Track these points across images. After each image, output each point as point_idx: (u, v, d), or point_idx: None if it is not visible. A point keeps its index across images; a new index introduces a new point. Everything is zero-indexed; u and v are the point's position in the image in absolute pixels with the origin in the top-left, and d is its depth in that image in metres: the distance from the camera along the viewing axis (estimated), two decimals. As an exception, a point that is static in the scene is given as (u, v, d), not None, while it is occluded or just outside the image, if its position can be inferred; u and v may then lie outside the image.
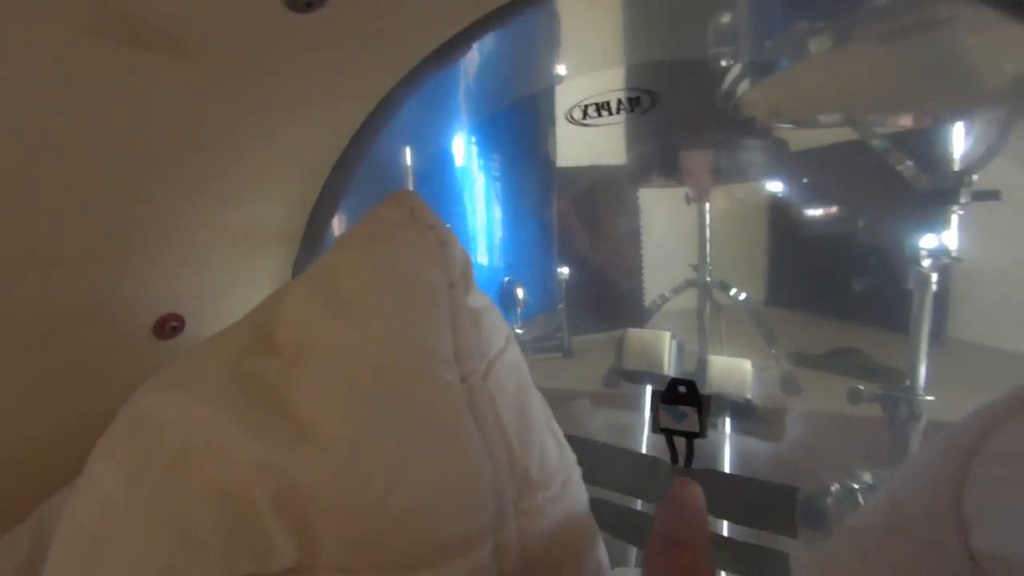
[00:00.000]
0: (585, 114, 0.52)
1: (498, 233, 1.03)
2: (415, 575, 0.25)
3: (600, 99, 0.52)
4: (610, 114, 0.51)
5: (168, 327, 0.52)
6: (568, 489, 0.32)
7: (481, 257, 0.92)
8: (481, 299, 0.36)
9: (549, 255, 1.16)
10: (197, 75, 0.37)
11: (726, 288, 1.45)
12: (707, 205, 1.43)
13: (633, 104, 0.51)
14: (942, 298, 0.90)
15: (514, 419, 0.31)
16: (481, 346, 0.33)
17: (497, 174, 0.98)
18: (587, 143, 1.39)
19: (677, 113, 1.14)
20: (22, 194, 0.36)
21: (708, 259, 1.46)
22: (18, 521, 0.42)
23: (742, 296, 1.45)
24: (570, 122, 0.53)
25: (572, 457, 0.34)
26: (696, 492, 0.27)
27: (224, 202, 0.48)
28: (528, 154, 1.03)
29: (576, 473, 0.34)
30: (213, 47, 0.36)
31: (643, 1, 1.03)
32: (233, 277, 0.55)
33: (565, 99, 1.09)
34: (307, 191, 0.56)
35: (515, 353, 0.35)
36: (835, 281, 1.35)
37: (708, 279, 1.46)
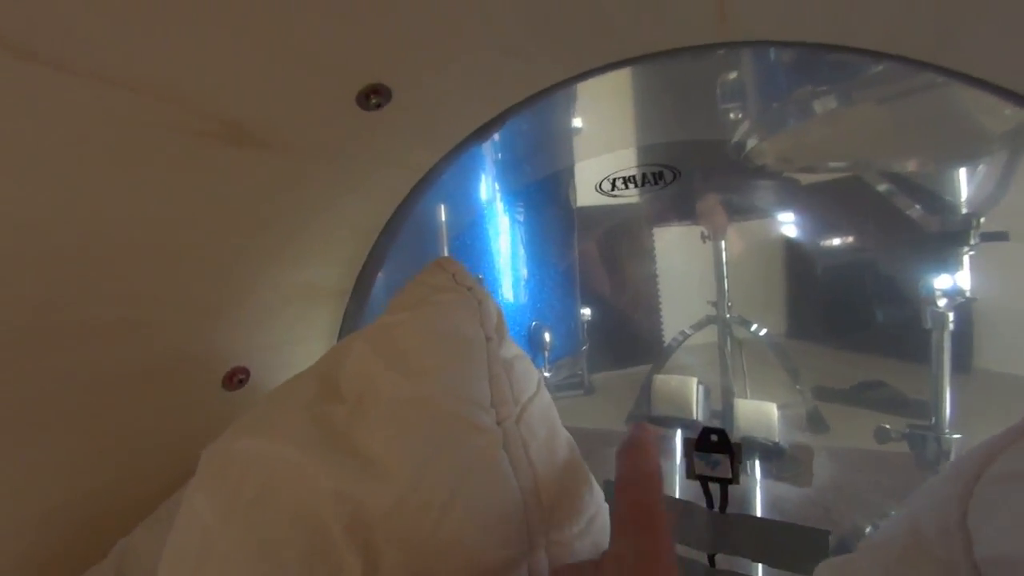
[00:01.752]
0: (614, 186, 0.58)
1: (523, 277, 1.08)
2: None
3: (627, 174, 0.57)
4: (636, 187, 0.57)
5: (236, 380, 0.57)
6: (594, 525, 0.35)
7: (508, 298, 0.97)
8: (514, 349, 0.40)
9: (572, 297, 1.21)
10: (278, 163, 0.44)
11: (746, 324, 1.46)
12: (723, 243, 1.47)
13: (657, 177, 0.56)
14: (966, 332, 0.91)
15: (544, 459, 0.35)
16: (514, 392, 0.37)
17: (521, 220, 1.05)
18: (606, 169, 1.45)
19: (694, 177, 1.21)
20: (126, 267, 0.41)
21: (727, 295, 1.48)
22: (100, 557, 0.46)
23: (763, 332, 1.46)
24: (599, 192, 0.58)
25: (600, 496, 0.37)
26: (646, 434, 0.30)
27: (291, 266, 0.54)
28: (550, 203, 1.10)
29: (603, 511, 0.37)
30: (294, 140, 0.43)
31: (654, 88, 1.12)
32: (292, 331, 0.61)
33: (588, 171, 1.19)
34: (359, 252, 0.62)
35: (545, 398, 0.39)
36: (856, 314, 1.36)
37: (728, 315, 1.48)
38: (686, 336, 1.53)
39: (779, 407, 1.07)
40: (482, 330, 0.38)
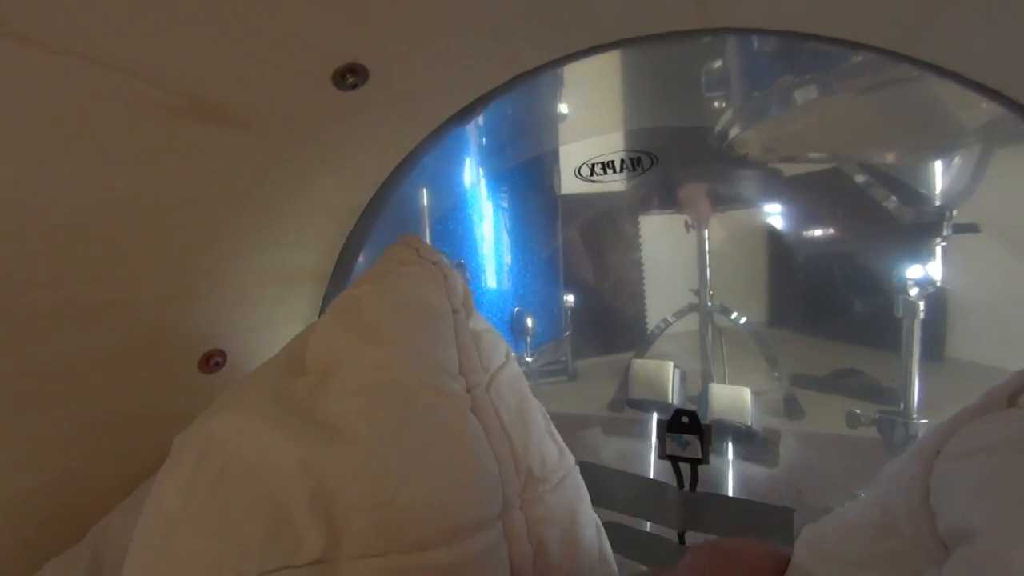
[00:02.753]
0: (592, 171, 0.58)
1: (507, 262, 1.09)
2: (430, 554, 0.29)
3: (606, 159, 0.57)
4: (615, 172, 0.57)
5: (212, 362, 0.57)
6: (566, 484, 0.37)
7: (491, 283, 0.98)
8: (481, 323, 0.41)
9: (555, 283, 1.22)
10: (254, 143, 0.43)
11: (727, 312, 1.48)
12: (706, 232, 1.48)
13: (635, 164, 0.56)
14: (939, 321, 0.94)
15: (516, 423, 0.36)
16: (483, 361, 0.38)
17: (505, 206, 1.05)
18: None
19: (675, 165, 1.22)
20: (102, 248, 0.41)
21: (708, 284, 1.50)
22: (76, 540, 0.46)
23: (743, 320, 1.48)
24: (578, 178, 0.59)
25: (571, 458, 0.39)
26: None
27: (269, 249, 0.53)
28: (534, 188, 1.10)
29: (574, 471, 0.38)
30: (270, 120, 0.42)
31: (639, 75, 1.12)
32: (271, 314, 0.60)
33: (572, 155, 1.19)
34: (337, 235, 0.62)
35: (514, 368, 0.40)
36: (834, 303, 1.39)
37: (709, 303, 1.50)
38: (668, 323, 1.55)
39: (756, 393, 1.10)
40: (448, 302, 0.40)
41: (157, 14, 0.29)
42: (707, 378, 1.45)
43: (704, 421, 0.43)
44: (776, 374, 1.39)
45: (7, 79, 0.28)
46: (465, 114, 0.56)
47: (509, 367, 0.40)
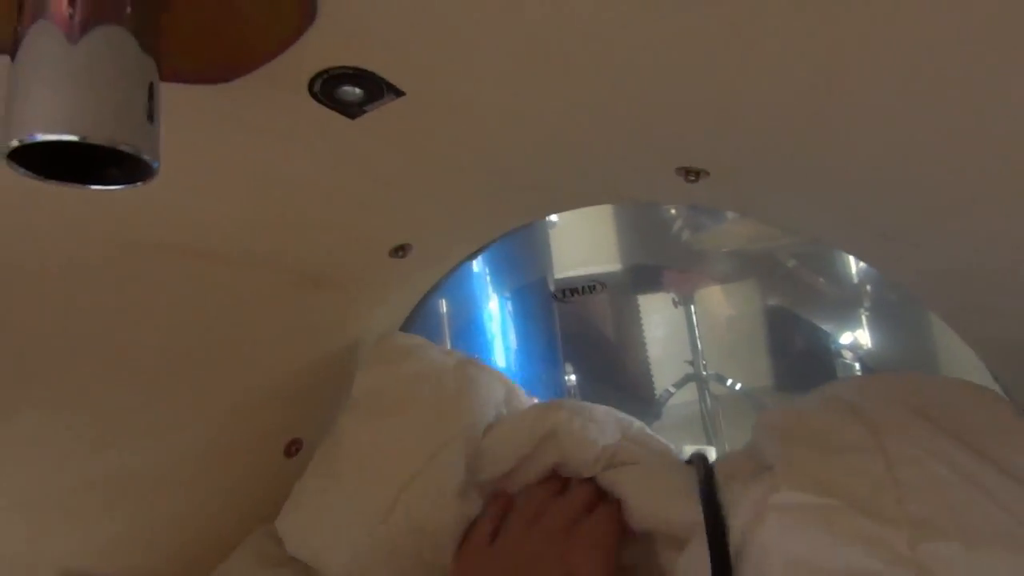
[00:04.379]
0: (564, 295, 0.80)
1: (513, 346, 1.28)
2: None
3: (569, 287, 0.80)
4: (579, 295, 0.79)
5: (293, 449, 0.75)
6: None
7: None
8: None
9: (557, 365, 1.40)
10: (333, 297, 0.65)
11: (722, 380, 1.62)
12: (692, 307, 1.66)
13: (590, 289, 0.78)
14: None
15: None
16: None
17: (508, 297, 1.26)
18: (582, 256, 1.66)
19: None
20: (228, 377, 0.61)
21: (701, 354, 1.65)
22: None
23: (738, 386, 1.61)
24: (557, 300, 0.80)
25: None
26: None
27: (336, 362, 0.74)
28: (531, 285, 1.33)
29: None
30: (344, 282, 0.64)
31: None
32: (333, 407, 0.80)
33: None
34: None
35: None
36: (809, 364, 1.53)
37: (704, 372, 1.64)
38: (670, 394, 1.69)
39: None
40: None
41: (281, 220, 0.51)
42: (712, 441, 1.56)
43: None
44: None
45: (157, 282, 0.47)
46: (471, 256, 0.79)
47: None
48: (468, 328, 1.11)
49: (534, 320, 1.30)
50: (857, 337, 0.95)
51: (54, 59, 0.19)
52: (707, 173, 0.46)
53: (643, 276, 1.62)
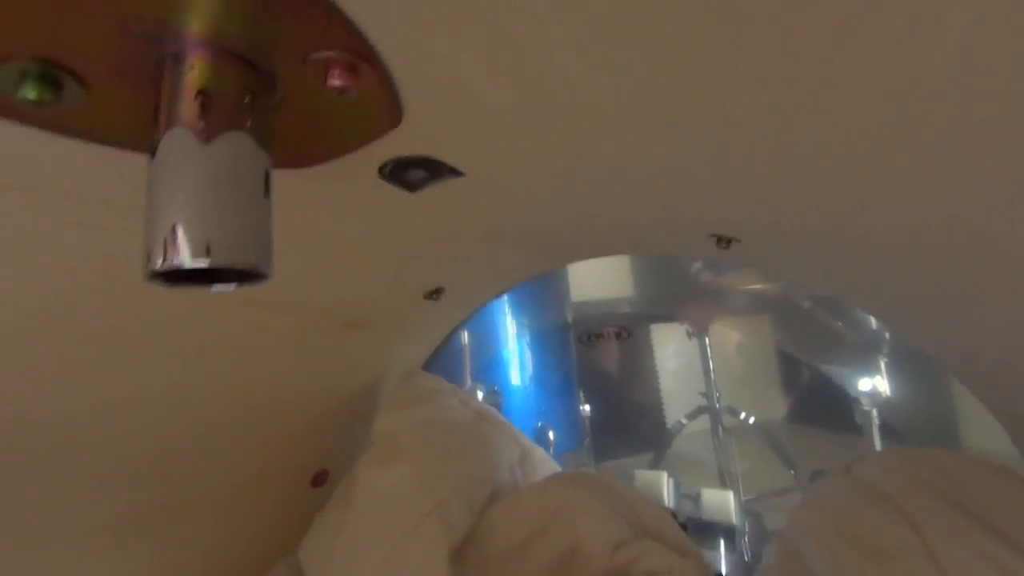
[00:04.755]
0: (589, 338, 0.83)
1: (528, 381, 1.30)
2: None
3: (595, 331, 0.83)
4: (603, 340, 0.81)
5: (320, 479, 0.77)
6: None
7: (518, 403, 1.18)
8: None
9: (572, 396, 1.41)
10: (369, 336, 0.68)
11: (735, 413, 1.61)
12: (706, 339, 1.67)
13: (618, 335, 0.80)
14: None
15: None
16: None
17: (525, 330, 1.28)
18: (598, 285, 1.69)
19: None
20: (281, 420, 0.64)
21: (714, 386, 1.65)
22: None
23: (751, 419, 1.60)
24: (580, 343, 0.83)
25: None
26: None
27: (364, 397, 0.77)
28: (547, 312, 1.35)
29: None
30: (381, 322, 0.67)
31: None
32: (359, 439, 0.82)
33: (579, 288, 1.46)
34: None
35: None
36: (827, 401, 1.52)
37: (717, 405, 1.64)
38: (683, 425, 1.68)
39: (769, 493, 1.21)
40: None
41: (333, 274, 0.54)
42: (726, 477, 1.56)
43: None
44: (793, 472, 1.49)
45: (229, 331, 0.52)
46: (494, 297, 0.82)
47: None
48: (489, 361, 1.14)
49: (552, 353, 1.32)
50: (876, 384, 0.96)
51: (188, 161, 0.21)
52: (739, 240, 0.48)
53: (658, 307, 1.63)
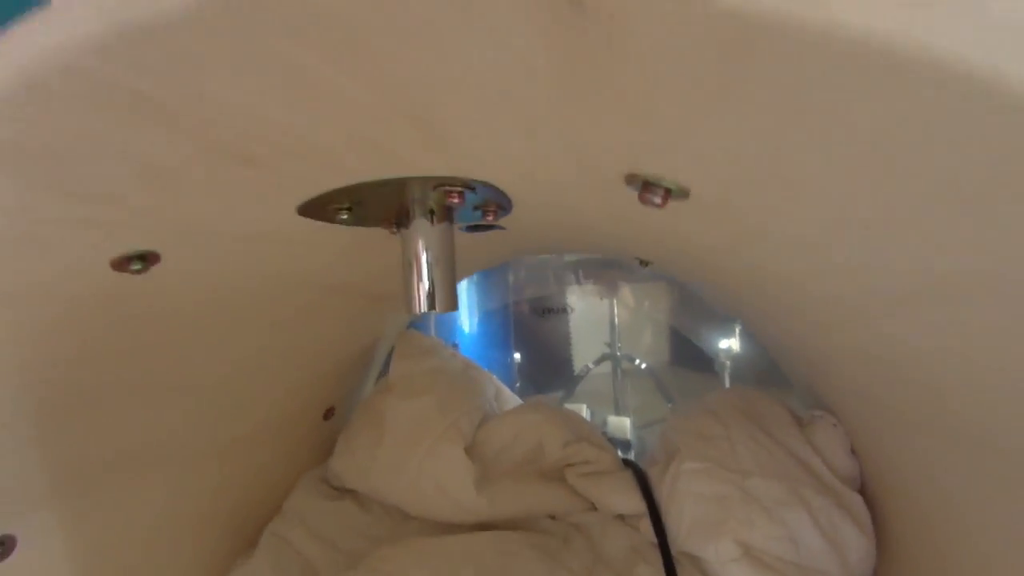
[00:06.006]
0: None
1: (474, 330, 1.57)
2: None
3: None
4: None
5: (329, 414, 0.97)
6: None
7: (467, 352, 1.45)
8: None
9: (508, 349, 1.71)
10: (384, 306, 0.87)
11: (631, 359, 2.01)
12: (614, 300, 2.03)
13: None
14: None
15: None
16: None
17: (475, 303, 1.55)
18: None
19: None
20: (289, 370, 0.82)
21: (617, 338, 2.03)
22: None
23: (643, 365, 2.02)
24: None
25: None
26: None
27: (365, 351, 0.97)
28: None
29: None
30: (394, 294, 0.87)
31: None
32: (365, 379, 1.03)
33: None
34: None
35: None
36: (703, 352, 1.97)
37: (618, 353, 2.03)
38: (589, 369, 2.06)
39: (651, 421, 1.61)
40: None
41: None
42: (620, 410, 1.96)
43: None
44: (670, 405, 1.93)
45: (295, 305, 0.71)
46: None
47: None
48: (446, 320, 1.38)
49: (493, 318, 1.60)
50: (731, 344, 1.34)
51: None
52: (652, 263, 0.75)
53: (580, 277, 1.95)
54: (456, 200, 0.38)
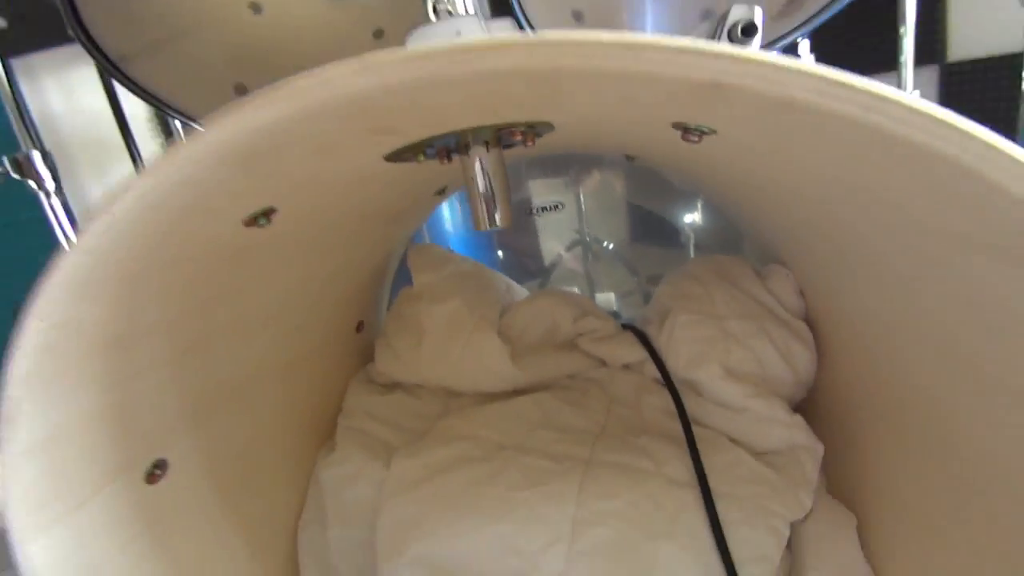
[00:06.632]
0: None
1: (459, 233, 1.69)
2: None
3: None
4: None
5: (360, 327, 1.09)
6: None
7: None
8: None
9: (492, 248, 1.84)
10: (399, 226, 0.96)
11: (599, 241, 2.19)
12: (580, 189, 2.15)
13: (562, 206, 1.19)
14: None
15: None
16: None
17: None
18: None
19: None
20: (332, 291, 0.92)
21: (585, 223, 2.18)
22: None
23: (611, 246, 2.20)
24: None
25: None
26: None
27: (381, 268, 1.06)
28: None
29: None
30: (408, 215, 0.94)
31: None
32: (377, 299, 1.13)
33: None
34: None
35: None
36: (667, 228, 2.16)
37: (587, 239, 2.19)
38: (562, 257, 2.23)
39: (623, 294, 1.82)
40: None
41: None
42: (592, 287, 2.17)
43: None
44: (636, 278, 2.16)
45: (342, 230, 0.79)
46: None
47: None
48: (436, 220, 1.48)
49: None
50: (694, 218, 1.51)
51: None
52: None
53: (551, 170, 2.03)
54: (519, 138, 0.46)
